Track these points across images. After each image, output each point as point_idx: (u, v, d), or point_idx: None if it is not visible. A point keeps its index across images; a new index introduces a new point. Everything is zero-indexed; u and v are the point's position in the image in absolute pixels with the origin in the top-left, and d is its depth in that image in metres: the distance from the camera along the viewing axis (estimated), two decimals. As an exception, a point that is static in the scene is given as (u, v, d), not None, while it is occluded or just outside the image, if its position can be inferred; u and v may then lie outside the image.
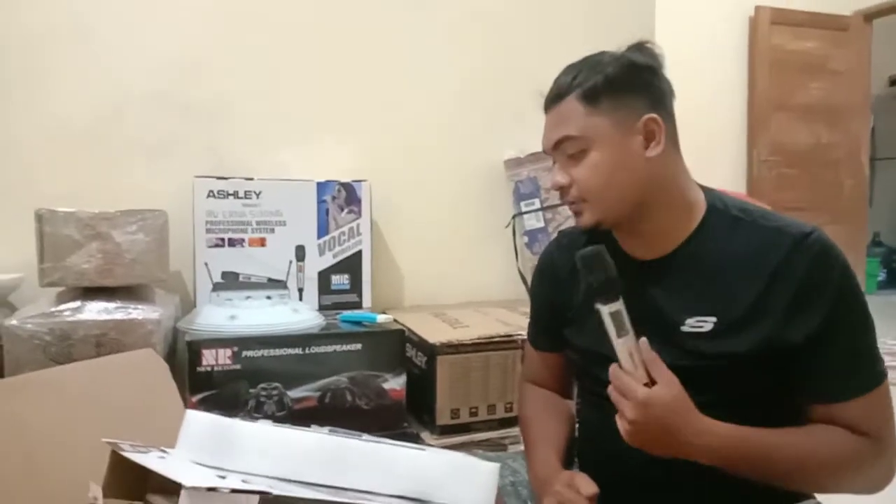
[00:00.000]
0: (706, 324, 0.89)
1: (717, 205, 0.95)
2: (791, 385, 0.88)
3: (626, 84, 0.91)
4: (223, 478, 0.76)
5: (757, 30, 4.43)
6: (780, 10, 4.44)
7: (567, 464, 1.04)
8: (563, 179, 0.94)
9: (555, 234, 1.96)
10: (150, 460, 0.81)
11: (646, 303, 0.94)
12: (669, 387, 0.82)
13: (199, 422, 0.87)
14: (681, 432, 0.82)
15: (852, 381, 0.86)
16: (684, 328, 0.90)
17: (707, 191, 0.98)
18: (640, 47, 0.95)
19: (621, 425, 0.83)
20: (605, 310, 0.83)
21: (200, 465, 0.83)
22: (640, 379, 0.82)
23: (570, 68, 0.95)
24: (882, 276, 5.68)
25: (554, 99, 0.95)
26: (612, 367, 0.84)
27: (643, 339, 0.84)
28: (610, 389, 0.84)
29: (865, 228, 5.11)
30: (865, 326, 0.88)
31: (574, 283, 1.05)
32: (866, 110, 4.91)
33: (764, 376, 0.87)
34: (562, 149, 0.94)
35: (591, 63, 0.94)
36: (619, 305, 0.83)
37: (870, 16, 4.72)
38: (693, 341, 0.89)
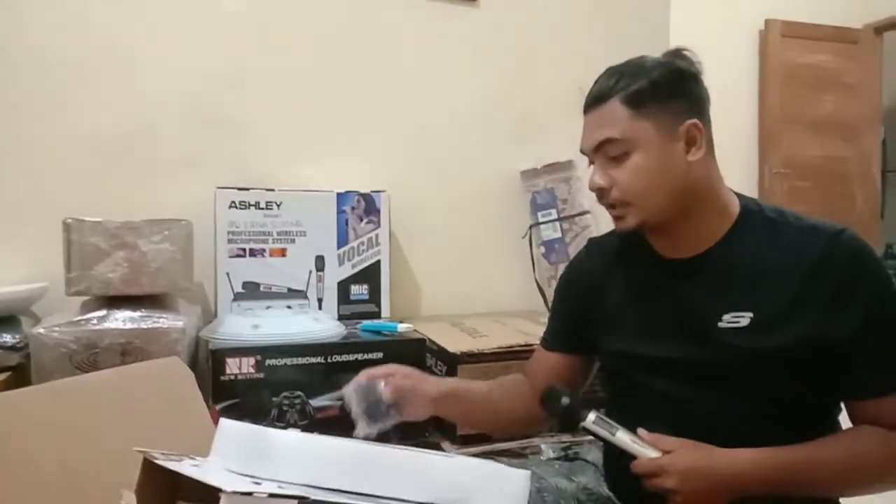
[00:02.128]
0: (743, 319, 0.90)
1: (752, 207, 0.97)
2: (828, 381, 0.89)
3: (670, 89, 0.92)
4: (258, 484, 0.76)
5: (767, 43, 4.44)
6: (791, 24, 4.45)
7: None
8: (604, 181, 0.94)
9: (571, 245, 1.97)
10: (185, 468, 0.81)
11: (681, 302, 0.95)
12: (684, 444, 0.87)
13: (233, 430, 0.87)
14: (715, 469, 0.85)
15: (891, 376, 0.87)
16: (721, 324, 0.91)
17: (740, 195, 0.99)
18: (680, 54, 0.96)
19: (674, 501, 0.86)
20: (588, 424, 0.90)
21: (235, 472, 0.84)
22: (654, 456, 0.87)
23: (613, 71, 0.95)
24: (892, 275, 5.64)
25: (596, 100, 0.95)
26: (632, 465, 0.88)
27: (640, 429, 0.90)
28: (647, 483, 0.87)
29: (878, 241, 5.09)
30: None
31: (605, 286, 1.06)
32: (877, 123, 4.90)
33: (800, 372, 0.88)
34: (603, 151, 0.94)
35: (634, 67, 0.94)
36: (594, 414, 0.91)
37: (880, 29, 4.73)
38: (731, 336, 0.90)
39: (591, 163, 0.98)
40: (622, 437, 0.89)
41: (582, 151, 0.99)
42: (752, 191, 4.44)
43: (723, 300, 0.92)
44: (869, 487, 0.89)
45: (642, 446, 0.88)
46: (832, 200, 4.62)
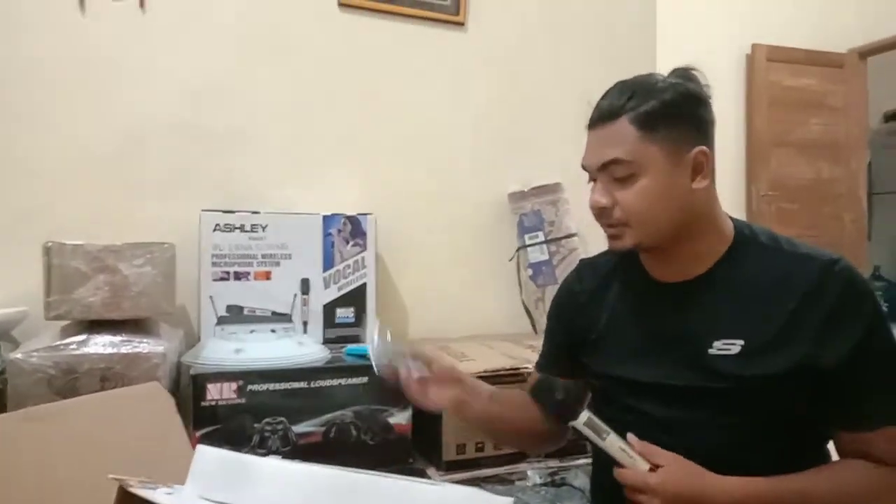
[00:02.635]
0: (734, 346, 0.89)
1: (746, 232, 0.96)
2: (819, 412, 0.88)
3: (680, 112, 0.91)
4: (232, 513, 0.75)
5: (754, 67, 4.49)
6: (777, 48, 4.51)
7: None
8: (606, 201, 0.92)
9: (559, 267, 1.97)
10: (158, 496, 0.79)
11: (672, 326, 0.95)
12: (676, 462, 0.85)
13: (209, 457, 0.86)
14: (705, 496, 0.83)
15: (881, 410, 0.86)
16: (712, 350, 0.90)
17: (734, 220, 0.99)
18: (690, 76, 0.94)
19: None
20: (579, 425, 0.87)
21: (210, 500, 0.82)
22: (643, 469, 0.85)
23: (623, 88, 0.93)
24: (883, 309, 5.67)
25: (605, 117, 0.92)
26: (616, 471, 0.86)
27: (630, 435, 0.88)
28: (627, 492, 0.86)
29: (866, 263, 5.12)
30: (894, 355, 0.88)
31: (596, 307, 1.05)
32: (863, 145, 4.95)
33: (790, 400, 0.87)
34: (608, 170, 0.92)
35: (645, 85, 0.92)
36: (586, 415, 0.87)
37: (864, 53, 4.79)
38: (721, 364, 0.89)
39: (592, 179, 0.96)
40: (612, 443, 0.87)
41: (584, 167, 0.96)
42: (740, 212, 4.46)
43: (714, 327, 0.91)
44: None
45: (631, 456, 0.86)
46: (820, 222, 4.65)
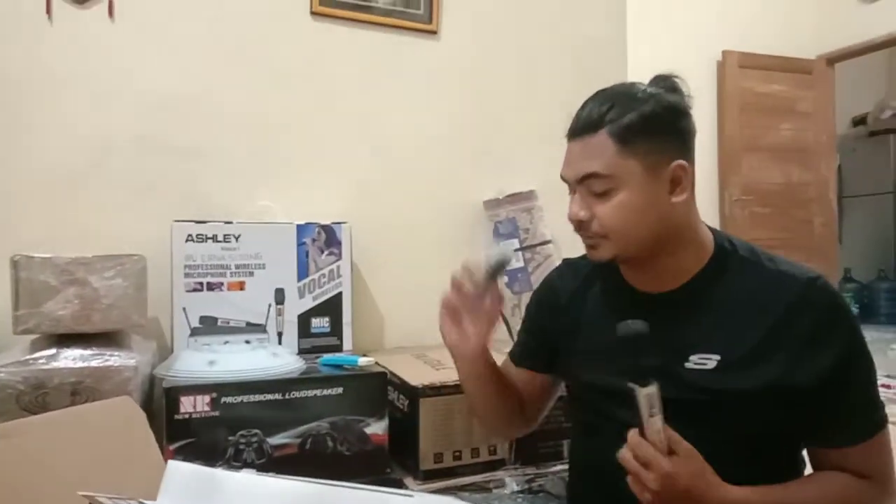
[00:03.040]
0: (710, 361, 0.90)
1: (726, 245, 0.97)
2: (796, 428, 0.89)
3: (660, 126, 0.90)
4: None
5: (725, 73, 4.56)
6: (747, 55, 4.58)
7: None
8: (584, 214, 0.93)
9: (534, 274, 1.97)
10: (129, 512, 0.78)
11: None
12: (693, 458, 0.83)
13: (180, 472, 0.85)
14: (703, 500, 0.82)
15: (857, 426, 0.88)
16: (688, 364, 0.91)
17: (715, 232, 0.99)
18: (673, 86, 0.94)
19: (641, 494, 0.82)
20: (641, 391, 0.82)
21: (180, 516, 0.81)
22: (662, 451, 0.82)
23: (603, 98, 0.92)
24: (855, 311, 5.77)
25: (584, 129, 0.92)
26: (634, 437, 0.83)
27: (657, 419, 0.85)
28: (624, 456, 0.83)
29: (837, 265, 5.21)
30: (870, 373, 0.90)
31: (575, 308, 1.05)
32: (832, 150, 5.05)
33: (765, 416, 0.88)
34: (587, 184, 0.92)
35: (624, 97, 0.91)
36: (654, 388, 0.82)
37: (832, 59, 4.89)
38: (696, 377, 0.90)
39: (572, 191, 0.96)
40: (656, 423, 0.83)
41: (563, 178, 0.96)
42: (713, 217, 4.52)
43: (691, 340, 0.92)
44: None
45: (662, 441, 0.82)
46: (791, 226, 4.73)
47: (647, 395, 0.81)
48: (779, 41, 4.71)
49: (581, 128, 0.92)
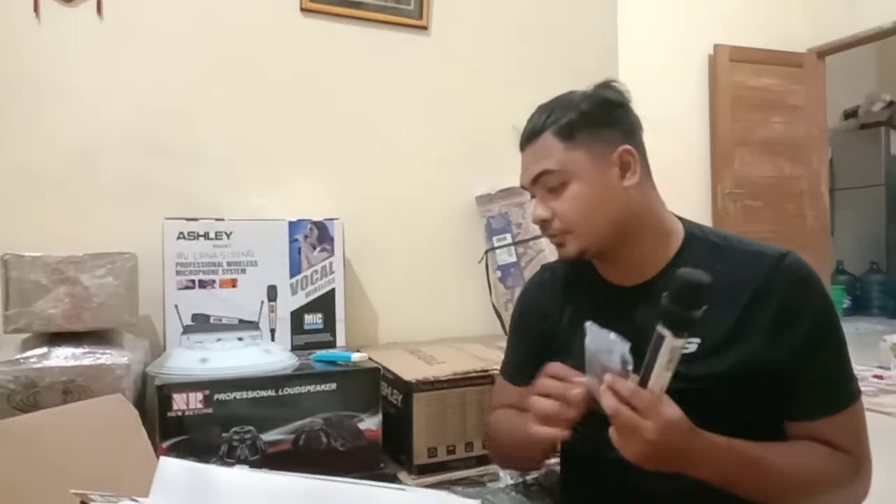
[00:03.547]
0: (691, 345, 0.91)
1: (696, 233, 0.99)
2: (774, 406, 0.90)
3: (599, 119, 0.96)
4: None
5: (716, 68, 4.57)
6: (739, 48, 4.60)
7: None
8: (545, 213, 0.97)
9: (527, 269, 1.98)
10: (121, 510, 0.78)
11: (631, 329, 0.95)
12: (681, 414, 0.81)
13: (173, 469, 0.85)
14: (692, 451, 0.82)
15: (829, 399, 0.89)
16: None
17: (685, 221, 1.01)
18: (608, 85, 1.00)
19: (630, 446, 0.78)
20: (671, 342, 0.76)
21: (172, 512, 0.81)
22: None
23: (544, 108, 0.99)
24: (847, 303, 5.81)
25: (530, 137, 0.98)
26: (630, 385, 0.78)
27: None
28: (617, 408, 0.79)
29: (829, 258, 5.24)
30: (841, 344, 0.91)
31: (558, 313, 1.06)
32: (824, 143, 5.07)
33: (749, 397, 0.89)
34: (541, 182, 0.97)
35: (563, 102, 0.98)
36: (683, 342, 0.77)
37: (822, 53, 4.91)
38: (680, 364, 0.90)
39: (533, 196, 1.01)
40: (666, 377, 0.78)
41: (522, 187, 1.02)
42: (706, 211, 4.54)
43: None
44: (809, 499, 0.89)
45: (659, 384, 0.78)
46: (783, 219, 4.75)
47: (675, 347, 0.77)
48: (769, 35, 4.72)
49: (528, 136, 1.00)
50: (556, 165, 0.95)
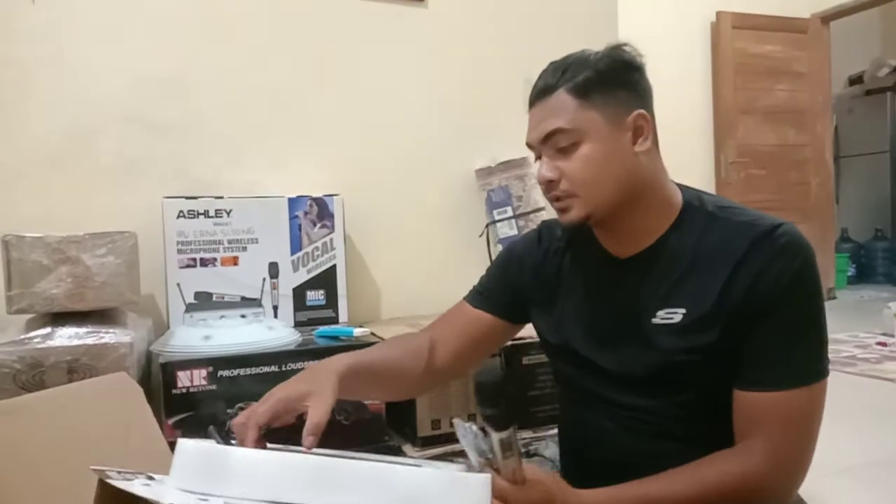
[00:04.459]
0: (676, 315, 0.90)
1: (694, 202, 0.96)
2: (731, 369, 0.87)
3: (616, 79, 0.92)
4: (205, 501, 0.75)
5: (719, 35, 4.52)
6: (741, 15, 4.53)
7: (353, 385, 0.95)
8: (552, 173, 0.93)
9: (516, 240, 1.97)
10: (135, 487, 0.79)
11: (622, 298, 0.96)
12: (542, 481, 0.79)
13: (190, 449, 0.86)
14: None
15: (782, 372, 0.85)
16: (655, 320, 0.91)
17: (685, 189, 0.99)
18: (622, 48, 0.95)
19: None
20: (496, 436, 0.77)
21: (188, 491, 0.82)
22: (518, 482, 0.78)
23: (558, 65, 0.94)
24: (852, 271, 5.80)
25: (542, 92, 0.94)
26: (502, 487, 0.76)
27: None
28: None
29: (833, 225, 5.22)
30: (815, 322, 0.87)
31: (550, 270, 1.06)
32: (828, 110, 5.02)
33: (728, 370, 0.88)
34: (552, 142, 0.92)
35: (579, 59, 0.93)
36: (510, 432, 0.77)
37: (826, 18, 4.84)
38: (663, 334, 0.90)
39: (538, 157, 0.96)
40: (510, 464, 0.78)
41: (528, 145, 0.98)
42: (709, 180, 4.51)
43: (658, 297, 0.92)
44: None
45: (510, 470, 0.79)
46: (787, 187, 4.72)
47: (503, 439, 0.78)
48: (772, 1, 4.66)
49: (539, 93, 0.94)
50: (569, 124, 0.90)
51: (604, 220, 0.95)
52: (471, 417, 1.53)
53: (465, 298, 1.18)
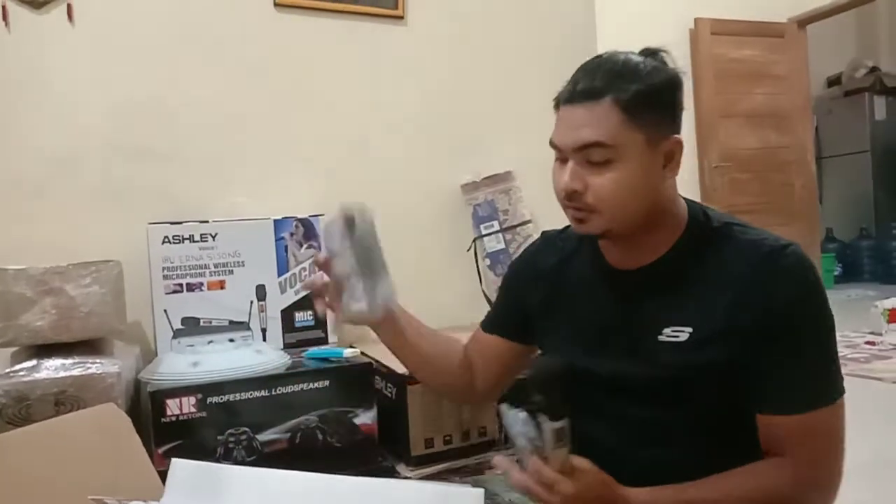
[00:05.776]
0: (682, 333, 0.89)
1: (699, 217, 0.95)
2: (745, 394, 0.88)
3: (661, 98, 0.88)
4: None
5: (698, 41, 4.56)
6: (719, 21, 4.58)
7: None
8: (578, 185, 0.88)
9: (516, 255, 1.97)
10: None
11: (625, 312, 0.95)
12: (593, 472, 0.82)
13: (184, 469, 0.85)
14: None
15: (800, 396, 0.85)
16: (661, 337, 0.91)
17: (690, 203, 0.97)
18: (663, 59, 0.91)
19: None
20: (549, 426, 0.80)
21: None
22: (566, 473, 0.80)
23: (606, 67, 0.88)
24: (838, 270, 5.84)
25: (587, 94, 0.86)
26: (535, 462, 0.79)
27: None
28: (526, 483, 0.80)
29: (818, 226, 5.26)
30: (826, 341, 0.87)
31: (553, 282, 1.06)
32: (809, 112, 5.07)
33: (733, 389, 0.87)
34: (585, 153, 0.87)
35: (629, 67, 0.87)
36: (565, 422, 0.81)
37: (803, 22, 4.90)
38: (668, 351, 0.90)
39: (562, 159, 0.91)
40: (558, 454, 0.82)
41: (556, 145, 0.91)
42: (693, 186, 4.54)
43: (664, 314, 0.91)
44: None
45: (558, 461, 0.82)
46: (772, 189, 4.76)
47: (555, 428, 0.80)
48: (750, 6, 4.71)
49: (583, 93, 0.86)
50: (611, 140, 0.84)
51: (619, 235, 0.94)
52: (464, 435, 1.52)
53: (480, 323, 1.19)
